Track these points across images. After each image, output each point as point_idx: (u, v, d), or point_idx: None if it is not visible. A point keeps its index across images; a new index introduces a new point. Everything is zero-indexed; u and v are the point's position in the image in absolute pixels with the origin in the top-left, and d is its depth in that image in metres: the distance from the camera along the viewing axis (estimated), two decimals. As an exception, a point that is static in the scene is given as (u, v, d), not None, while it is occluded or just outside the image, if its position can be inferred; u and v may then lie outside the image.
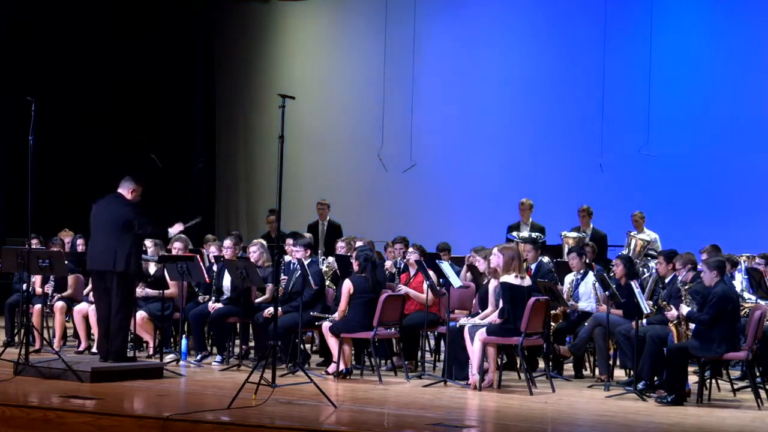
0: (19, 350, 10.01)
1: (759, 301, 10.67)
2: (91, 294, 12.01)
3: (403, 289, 11.09)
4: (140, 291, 11.43)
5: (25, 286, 11.29)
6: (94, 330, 11.71)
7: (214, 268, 11.86)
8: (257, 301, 11.32)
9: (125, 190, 10.11)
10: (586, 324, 10.69)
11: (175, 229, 10.56)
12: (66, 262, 11.74)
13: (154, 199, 14.67)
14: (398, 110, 17.73)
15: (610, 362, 10.60)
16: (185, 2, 19.10)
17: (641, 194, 16.06)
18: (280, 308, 10.37)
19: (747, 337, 9.31)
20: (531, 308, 9.77)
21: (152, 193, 16.89)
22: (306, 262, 10.92)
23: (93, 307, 11.66)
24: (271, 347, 8.86)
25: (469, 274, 11.69)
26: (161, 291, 11.43)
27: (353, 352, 10.71)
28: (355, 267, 10.67)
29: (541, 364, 10.96)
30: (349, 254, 11.56)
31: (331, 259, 12.26)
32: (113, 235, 9.89)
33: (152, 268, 11.76)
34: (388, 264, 12.04)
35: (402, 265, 11.78)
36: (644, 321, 10.04)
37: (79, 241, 13.26)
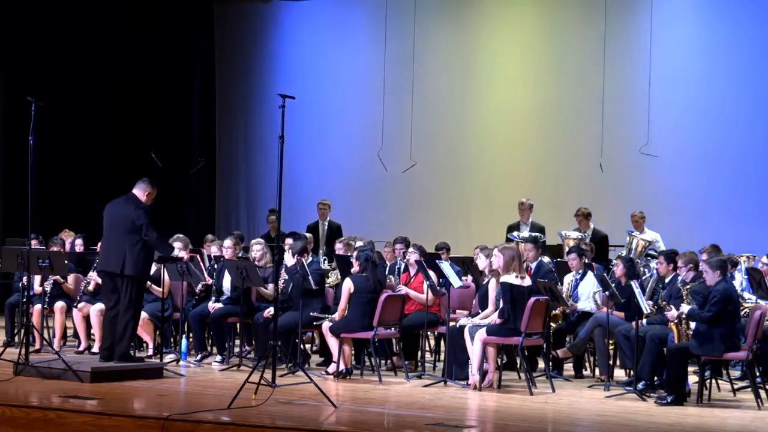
0: (19, 350, 10.01)
1: (759, 301, 10.67)
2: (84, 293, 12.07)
3: (403, 289, 11.09)
4: None
5: (25, 282, 11.31)
6: (95, 330, 11.72)
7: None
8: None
9: (140, 192, 10.07)
10: (586, 324, 10.69)
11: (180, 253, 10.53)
12: (66, 261, 11.74)
13: (154, 199, 14.57)
14: (398, 110, 17.73)
15: (610, 362, 10.61)
16: (185, 3, 19.10)
17: (641, 194, 16.04)
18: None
19: (747, 337, 9.31)
20: (531, 308, 9.77)
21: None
22: (306, 262, 10.92)
23: (94, 306, 11.68)
24: (271, 347, 8.87)
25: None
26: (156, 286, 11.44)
27: (353, 352, 10.72)
28: (356, 267, 10.68)
29: (541, 364, 10.96)
30: (348, 254, 11.56)
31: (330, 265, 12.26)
32: (125, 237, 9.84)
33: (152, 268, 11.75)
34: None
35: (402, 266, 11.77)
36: (644, 321, 10.04)
37: (78, 241, 13.26)
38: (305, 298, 10.71)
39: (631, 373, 10.08)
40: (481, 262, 11.07)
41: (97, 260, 11.23)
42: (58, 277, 11.98)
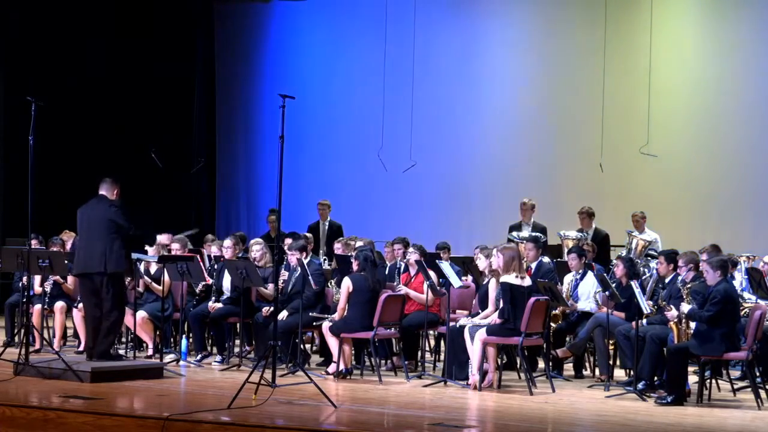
0: (19, 350, 10.03)
1: (759, 301, 10.68)
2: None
3: (403, 289, 11.09)
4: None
5: (25, 282, 11.31)
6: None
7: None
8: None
9: (108, 192, 10.17)
10: (586, 324, 10.69)
11: (163, 238, 10.63)
12: (66, 261, 11.74)
13: (155, 199, 14.62)
14: (398, 110, 17.71)
15: (610, 362, 10.61)
16: (185, 2, 19.10)
17: (641, 194, 16.04)
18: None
19: (747, 337, 9.31)
20: (531, 308, 9.77)
21: (153, 193, 17.02)
22: (306, 261, 10.93)
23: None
24: (271, 347, 8.87)
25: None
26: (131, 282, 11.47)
27: (353, 352, 10.72)
28: (355, 267, 10.68)
29: (541, 364, 10.96)
30: (348, 254, 11.56)
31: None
32: (102, 237, 9.91)
33: (153, 268, 11.77)
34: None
35: (402, 266, 11.77)
36: (644, 321, 10.04)
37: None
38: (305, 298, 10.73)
39: (631, 373, 10.08)
40: (481, 263, 11.07)
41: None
42: (58, 277, 11.99)
